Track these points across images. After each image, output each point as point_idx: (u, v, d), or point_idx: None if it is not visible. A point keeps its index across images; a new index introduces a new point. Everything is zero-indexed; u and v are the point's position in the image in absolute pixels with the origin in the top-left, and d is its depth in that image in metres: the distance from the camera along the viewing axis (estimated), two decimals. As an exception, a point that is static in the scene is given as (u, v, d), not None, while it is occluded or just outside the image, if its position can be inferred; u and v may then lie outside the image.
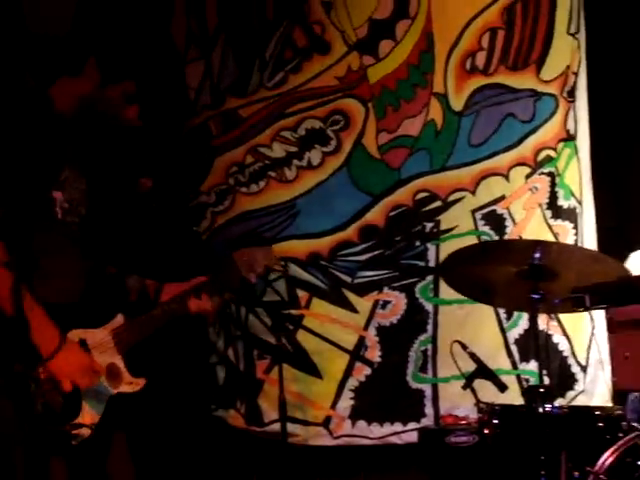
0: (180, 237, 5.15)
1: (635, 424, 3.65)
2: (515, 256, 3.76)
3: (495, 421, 3.70)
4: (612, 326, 3.05)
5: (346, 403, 5.20)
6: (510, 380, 4.97)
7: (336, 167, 5.33)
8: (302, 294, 5.28)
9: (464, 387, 3.95)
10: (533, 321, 3.78)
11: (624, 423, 3.57)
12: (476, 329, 5.15)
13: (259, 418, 5.22)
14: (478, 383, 3.97)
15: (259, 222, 5.32)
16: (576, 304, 3.22)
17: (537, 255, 3.67)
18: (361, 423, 5.19)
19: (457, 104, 5.31)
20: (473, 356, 4.03)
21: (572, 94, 5.30)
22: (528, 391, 3.68)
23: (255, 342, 5.24)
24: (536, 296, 3.68)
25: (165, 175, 4.98)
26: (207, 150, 5.35)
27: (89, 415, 3.37)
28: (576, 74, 5.29)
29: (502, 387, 3.98)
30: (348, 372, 5.22)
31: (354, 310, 5.27)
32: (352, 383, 5.21)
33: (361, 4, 5.32)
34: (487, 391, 3.99)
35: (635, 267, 4.24)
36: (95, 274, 3.47)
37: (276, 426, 4.97)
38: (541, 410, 3.55)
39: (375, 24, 5.32)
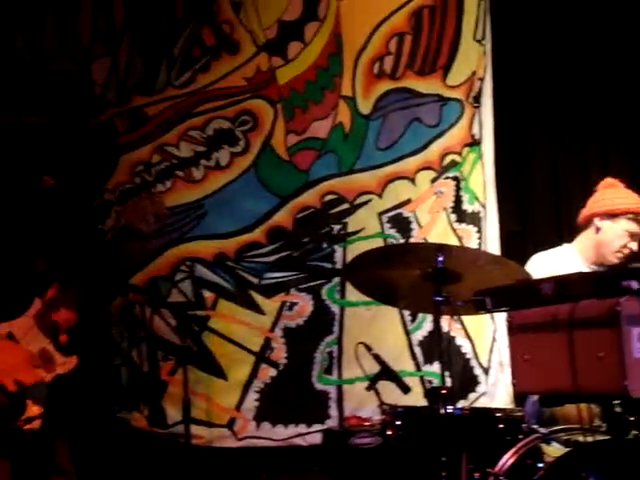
0: (84, 235, 5.07)
1: (535, 426, 3.72)
2: (419, 259, 3.78)
3: (398, 422, 3.71)
4: (512, 329, 3.09)
5: (251, 405, 5.18)
6: (414, 382, 5.02)
7: (244, 168, 5.30)
8: (208, 295, 5.24)
9: (368, 388, 3.96)
10: (436, 323, 3.81)
11: (524, 425, 3.62)
12: (381, 331, 5.18)
13: (163, 420, 5.17)
14: (382, 385, 3.99)
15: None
16: (478, 307, 3.26)
17: (440, 259, 3.71)
18: (265, 425, 5.17)
19: (365, 107, 5.33)
20: (377, 358, 4.05)
21: (477, 100, 5.37)
22: (430, 393, 3.70)
23: (159, 343, 5.18)
24: (439, 299, 3.72)
25: (69, 172, 4.91)
26: (112, 148, 5.28)
27: (36, 406, 3.33)
28: (482, 80, 5.36)
29: (405, 389, 4.01)
30: (253, 374, 5.20)
31: (261, 311, 5.25)
32: (257, 385, 5.19)
33: (270, 5, 5.31)
34: (391, 393, 4.02)
35: (535, 270, 4.33)
36: (3, 266, 3.42)
37: (180, 428, 4.93)
38: (443, 411, 3.57)
39: (284, 25, 5.32)
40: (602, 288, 2.72)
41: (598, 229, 4.58)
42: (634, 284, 2.61)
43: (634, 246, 4.56)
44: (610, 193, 4.65)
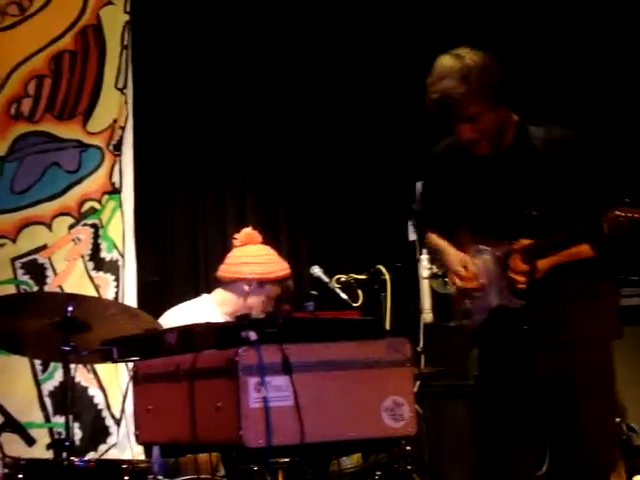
0: None
1: (160, 477, 3.71)
2: (48, 308, 3.70)
3: (20, 476, 3.58)
4: (136, 379, 3.07)
5: None
6: (43, 433, 4.89)
7: None
8: None
9: (-10, 441, 3.81)
10: (66, 373, 3.74)
11: (150, 476, 3.61)
12: (10, 381, 5.02)
13: None
14: (7, 437, 3.85)
15: None
16: (104, 357, 3.22)
17: (70, 308, 3.65)
18: None
19: (0, 149, 5.17)
20: (1, 409, 3.91)
21: (118, 148, 5.37)
22: (55, 444, 3.61)
23: None
24: (67, 348, 3.64)
25: None
26: None
27: None
28: (123, 128, 5.37)
29: (30, 441, 3.88)
30: None
31: None
32: None
33: None
34: (17, 445, 3.88)
35: (167, 322, 4.34)
36: None
37: None
38: (67, 463, 3.49)
39: None
40: (223, 339, 2.76)
41: (244, 293, 4.60)
42: (252, 335, 2.67)
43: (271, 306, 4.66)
44: (254, 255, 4.60)
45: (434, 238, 3.67)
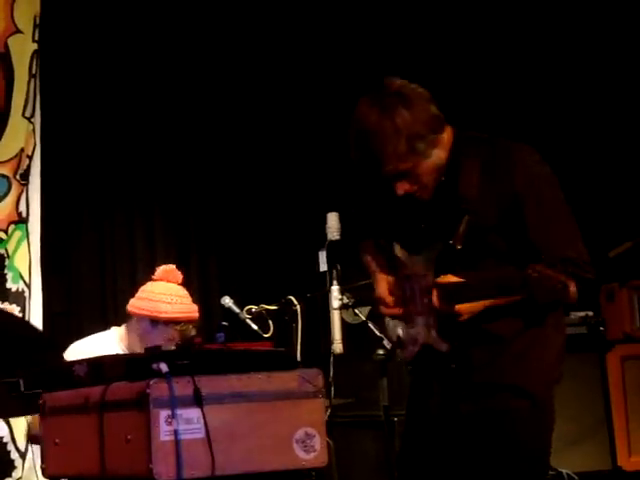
0: None
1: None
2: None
3: None
4: (44, 412, 3.03)
5: None
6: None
7: None
8: None
9: None
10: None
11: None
12: None
13: None
14: None
15: None
16: (10, 389, 3.16)
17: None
18: None
19: None
20: None
21: (25, 177, 5.30)
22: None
23: None
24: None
25: None
26: None
27: None
28: (30, 157, 5.30)
29: None
30: None
31: None
32: None
33: None
34: None
35: (72, 355, 4.25)
36: None
37: None
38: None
39: None
40: (133, 371, 2.74)
41: (135, 330, 4.48)
42: (163, 367, 2.66)
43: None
44: (160, 292, 4.40)
45: (369, 256, 3.32)
